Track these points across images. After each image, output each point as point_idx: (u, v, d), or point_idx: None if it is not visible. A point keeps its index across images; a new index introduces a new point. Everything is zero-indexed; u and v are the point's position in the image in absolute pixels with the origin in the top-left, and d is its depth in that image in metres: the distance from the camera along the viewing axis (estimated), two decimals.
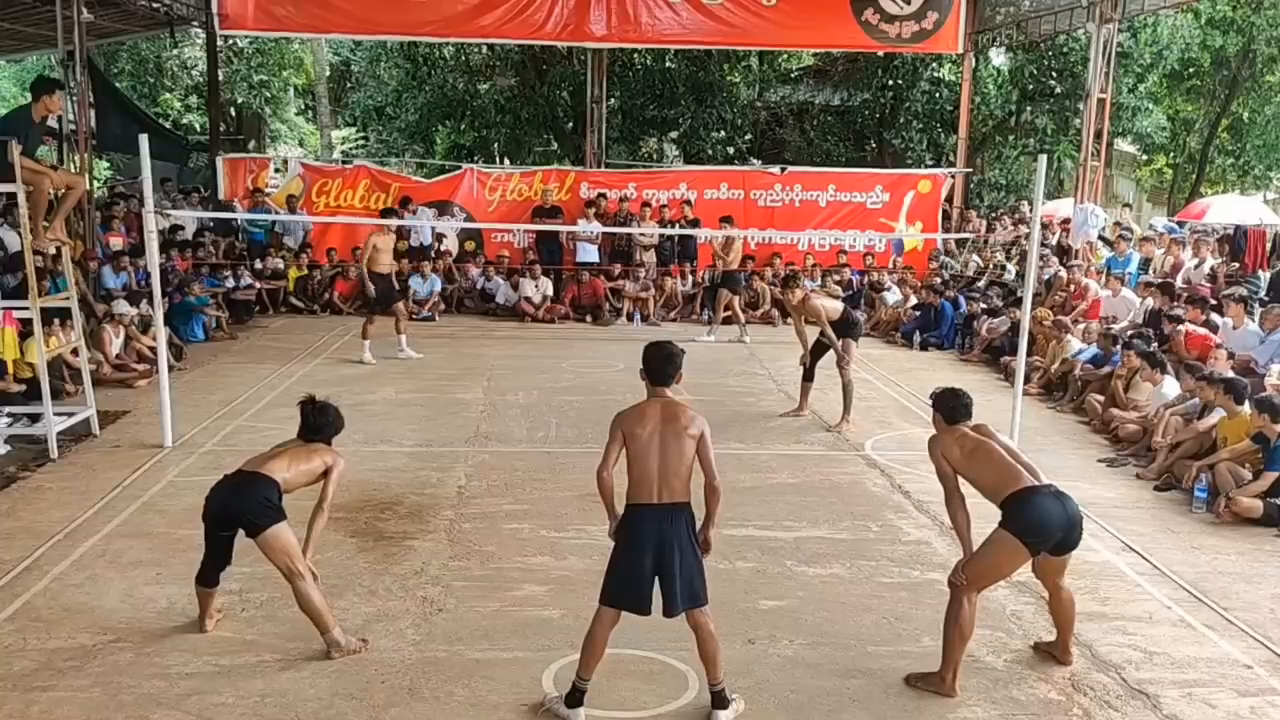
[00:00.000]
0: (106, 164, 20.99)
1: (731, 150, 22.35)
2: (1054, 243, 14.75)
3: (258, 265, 15.08)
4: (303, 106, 29.50)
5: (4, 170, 7.25)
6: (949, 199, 17.55)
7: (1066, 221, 14.88)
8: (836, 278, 15.56)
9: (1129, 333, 10.32)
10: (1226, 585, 5.80)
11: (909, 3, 16.51)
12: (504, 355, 12.23)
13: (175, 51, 24.09)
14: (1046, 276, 13.40)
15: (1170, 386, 8.66)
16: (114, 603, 5.19)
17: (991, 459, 4.53)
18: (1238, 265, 11.79)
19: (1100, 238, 14.01)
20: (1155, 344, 9.67)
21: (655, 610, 4.15)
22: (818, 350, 9.46)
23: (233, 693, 4.36)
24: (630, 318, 15.10)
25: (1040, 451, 7.83)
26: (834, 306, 9.46)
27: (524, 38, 17.28)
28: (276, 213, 15.69)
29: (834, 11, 16.51)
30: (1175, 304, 10.78)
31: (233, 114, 25.95)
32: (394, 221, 12.93)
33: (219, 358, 11.73)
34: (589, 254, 15.65)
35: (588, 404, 9.57)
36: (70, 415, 8.13)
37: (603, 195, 16.18)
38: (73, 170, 11.78)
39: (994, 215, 17.57)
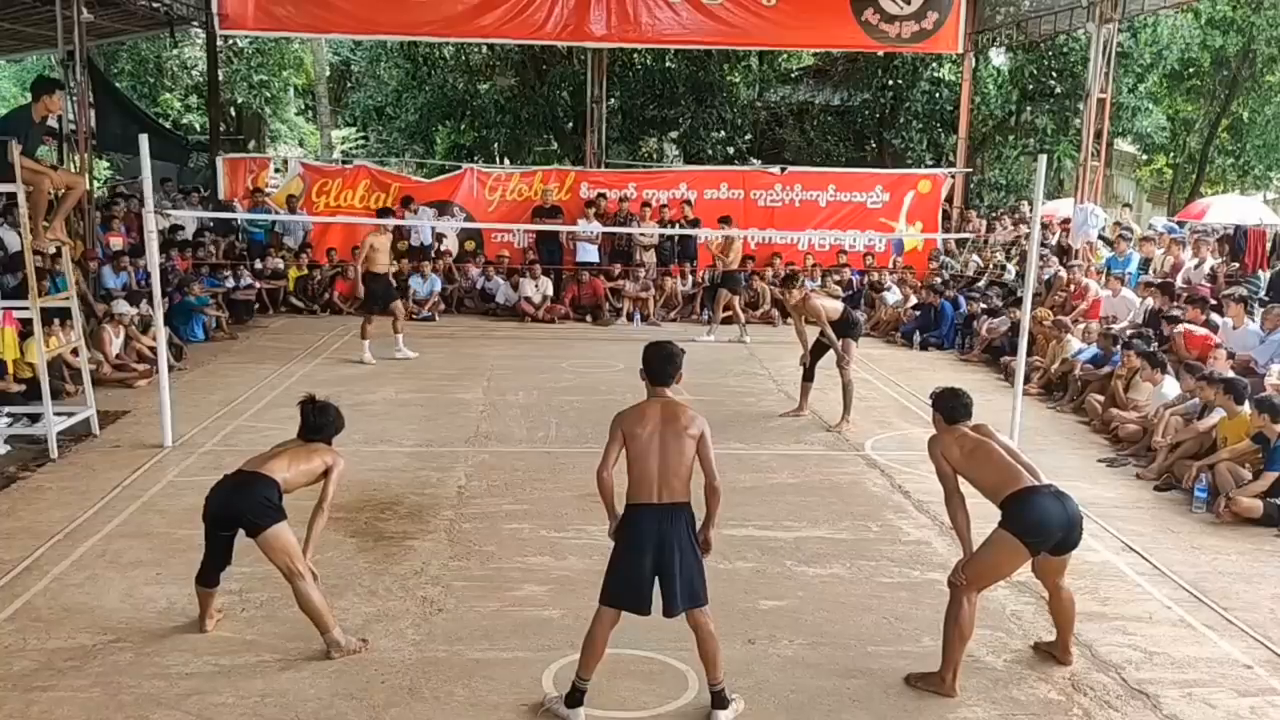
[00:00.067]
0: (106, 164, 21.00)
1: (731, 150, 22.35)
2: (1054, 243, 14.75)
3: (258, 265, 15.08)
4: (303, 106, 29.50)
5: (4, 170, 7.25)
6: (949, 199, 17.55)
7: (1066, 221, 14.89)
8: (836, 278, 15.56)
9: (1129, 333, 10.33)
10: (1226, 585, 5.80)
11: (909, 3, 16.51)
12: (504, 355, 12.23)
13: (175, 51, 24.09)
14: (1046, 276, 13.40)
15: (1170, 386, 8.66)
16: (114, 603, 5.20)
17: (991, 459, 4.53)
18: (1238, 265, 11.79)
19: (1100, 238, 14.01)
20: (1155, 344, 9.67)
21: (655, 610, 4.15)
22: (818, 350, 9.46)
23: (233, 693, 4.36)
24: (630, 318, 15.10)
25: (1040, 451, 7.83)
26: (834, 306, 9.46)
27: (524, 38, 17.28)
28: (276, 213, 15.69)
29: (834, 11, 16.50)
30: (1175, 304, 10.78)
31: (233, 114, 25.94)
32: (393, 221, 12.93)
33: (219, 358, 11.73)
34: (589, 254, 15.65)
35: (588, 404, 9.57)
36: (70, 415, 8.13)
37: (603, 195, 16.18)
38: (73, 170, 11.77)
39: (994, 215, 17.57)
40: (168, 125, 23.23)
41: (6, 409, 8.19)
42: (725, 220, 14.33)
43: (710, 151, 21.82)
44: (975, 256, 15.85)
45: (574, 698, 4.18)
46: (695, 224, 15.44)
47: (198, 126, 24.80)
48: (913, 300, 14.44)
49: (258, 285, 14.71)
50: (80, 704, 4.25)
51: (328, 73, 27.11)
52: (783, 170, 17.24)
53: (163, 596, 5.26)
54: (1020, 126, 21.40)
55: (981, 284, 14.46)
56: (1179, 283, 11.80)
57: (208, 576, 4.84)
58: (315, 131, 28.59)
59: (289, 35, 21.46)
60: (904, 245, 16.89)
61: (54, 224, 7.95)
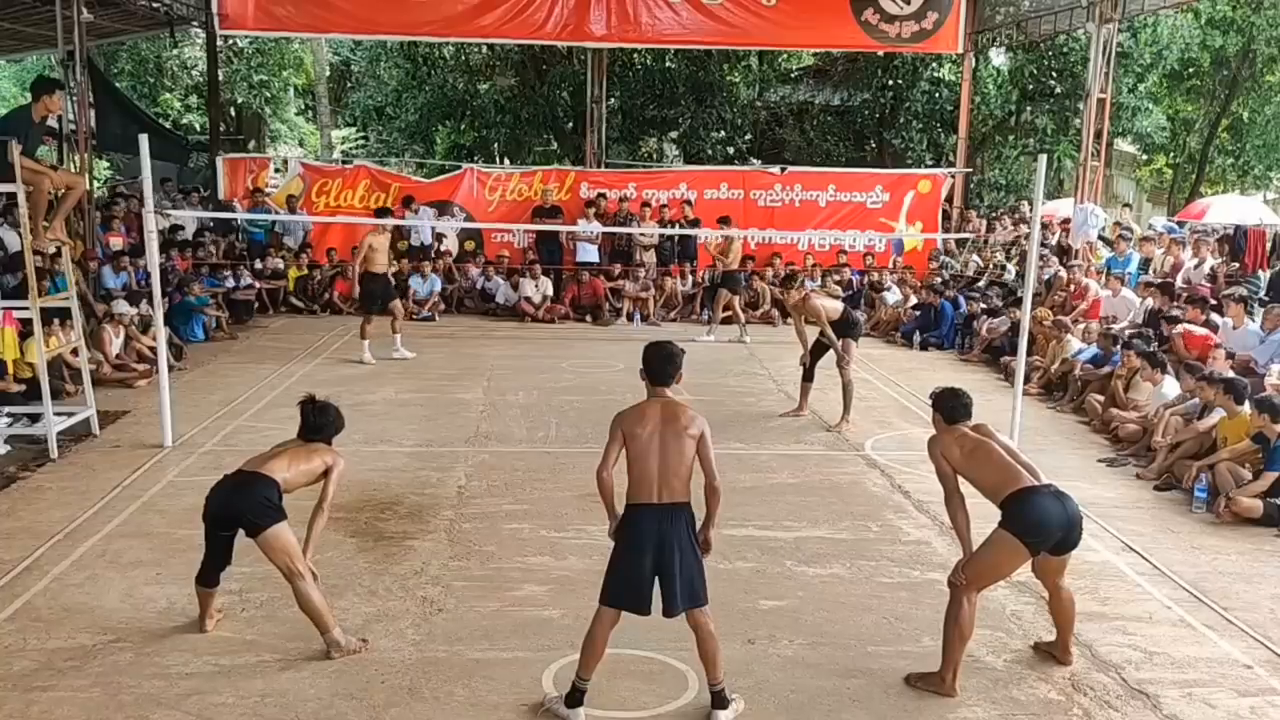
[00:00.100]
0: (106, 164, 20.99)
1: (731, 150, 22.35)
2: (1054, 243, 14.75)
3: (258, 265, 15.08)
4: (303, 106, 29.50)
5: (4, 170, 7.25)
6: (949, 199, 17.55)
7: (1066, 221, 14.88)
8: (836, 278, 15.56)
9: (1129, 333, 10.32)
10: (1226, 585, 5.80)
11: (909, 3, 16.51)
12: (504, 355, 12.23)
13: (175, 51, 24.09)
14: (1046, 276, 13.41)
15: (1170, 386, 8.66)
16: (114, 603, 5.20)
17: (991, 459, 4.53)
18: (1238, 265, 11.79)
19: (1100, 238, 14.01)
20: (1155, 344, 9.67)
21: (655, 610, 4.15)
22: (818, 350, 9.46)
23: (233, 693, 4.36)
24: (630, 318, 15.11)
25: (1040, 451, 7.83)
26: (834, 306, 9.45)
27: (524, 38, 17.28)
28: (276, 213, 15.69)
29: (834, 11, 16.50)
30: (1175, 304, 10.78)
31: (233, 114, 25.94)
32: (392, 221, 12.92)
33: (219, 358, 11.73)
34: (589, 254, 15.65)
35: (588, 404, 9.57)
36: (70, 415, 8.13)
37: (603, 195, 16.18)
38: (73, 170, 11.77)
39: (994, 215, 17.56)
40: (168, 125, 23.22)
41: (6, 409, 8.18)
42: (724, 220, 14.33)
43: (710, 151, 21.82)
44: (975, 256, 15.85)
45: (574, 698, 4.18)
46: (695, 224, 15.45)
47: (198, 126, 24.79)
48: (913, 300, 14.44)
49: (258, 285, 14.71)
50: (80, 704, 4.25)
51: (328, 73, 27.10)
52: (783, 170, 17.24)
53: (163, 596, 5.26)
54: (1020, 126, 21.39)
55: (981, 284, 14.46)
56: (1179, 283, 11.80)
57: (208, 576, 4.84)
58: (315, 131, 28.59)
59: (289, 35, 21.46)
60: (904, 245, 16.89)
61: (54, 224, 7.95)
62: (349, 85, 27.54)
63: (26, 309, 7.73)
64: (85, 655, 4.65)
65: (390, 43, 20.99)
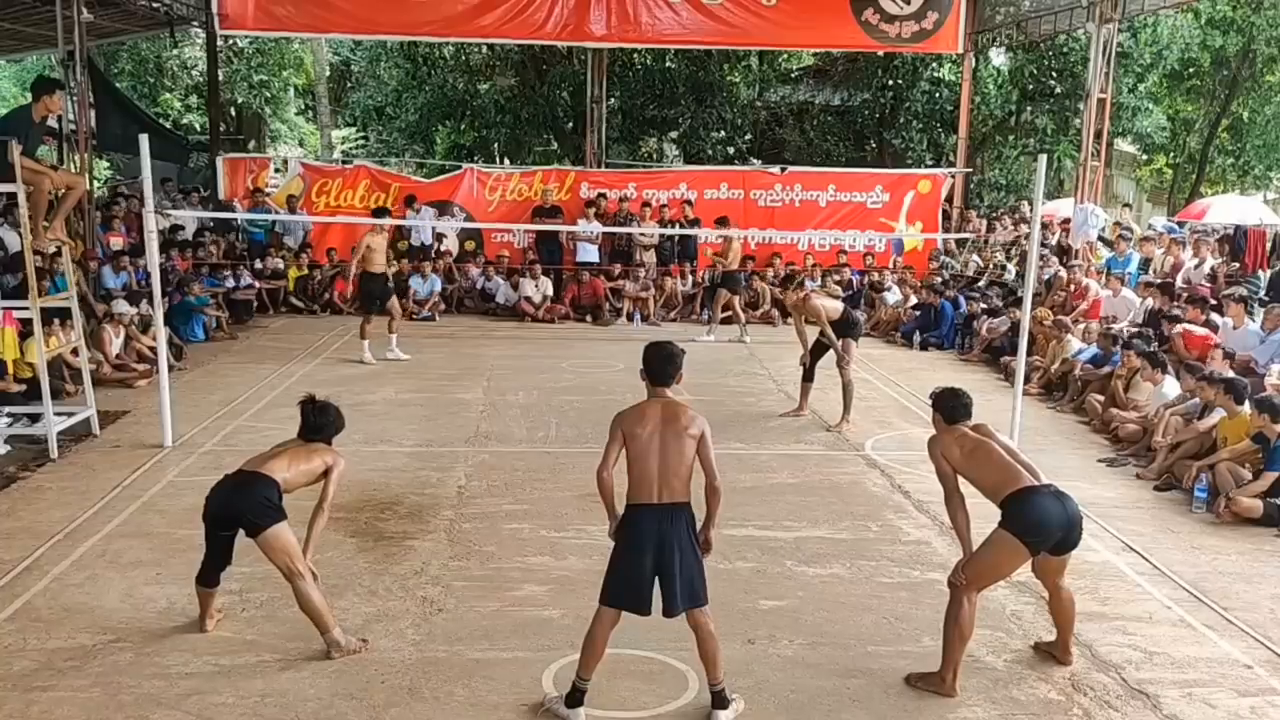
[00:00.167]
0: (106, 164, 20.99)
1: (731, 150, 22.35)
2: (1054, 243, 14.75)
3: (258, 265, 15.09)
4: (303, 106, 29.49)
5: (4, 170, 7.25)
6: (949, 199, 17.55)
7: (1066, 221, 14.88)
8: (836, 278, 15.55)
9: (1129, 333, 10.32)
10: (1226, 585, 5.80)
11: (909, 3, 16.51)
12: (504, 355, 12.23)
13: (175, 51, 24.08)
14: (1046, 276, 13.41)
15: (1170, 386, 8.66)
16: (114, 603, 5.20)
17: (991, 459, 4.53)
18: (1238, 265, 11.79)
19: (1100, 238, 14.01)
20: (1155, 344, 9.67)
21: (655, 610, 4.15)
22: (818, 350, 9.46)
23: (233, 693, 4.36)
24: (630, 318, 15.11)
25: (1040, 451, 7.83)
26: (834, 306, 9.45)
27: (524, 38, 17.28)
28: (276, 213, 15.69)
29: (834, 11, 16.50)
30: (1175, 304, 10.78)
31: (233, 114, 25.94)
32: (390, 221, 12.93)
33: (219, 358, 11.73)
34: (589, 254, 15.66)
35: (588, 404, 9.57)
36: (70, 415, 8.13)
37: (603, 195, 16.19)
38: (73, 170, 11.78)
39: (994, 215, 17.57)
40: (168, 125, 23.22)
41: (6, 409, 8.19)
42: (722, 221, 14.30)
43: (710, 151, 21.82)
44: (975, 256, 15.85)
45: (574, 698, 4.18)
46: (695, 224, 15.45)
47: (198, 126, 24.80)
48: (913, 300, 14.45)
49: (258, 285, 14.72)
50: (80, 704, 4.25)
51: (328, 73, 27.10)
52: (783, 170, 17.24)
53: (163, 596, 5.26)
54: (1020, 126, 21.39)
55: (981, 284, 14.46)
56: (1179, 283, 11.80)
57: (208, 576, 4.84)
58: (315, 131, 28.59)
59: (289, 35, 21.46)
60: (904, 245, 16.89)
61: (54, 224, 7.95)
62: (349, 85, 27.54)
63: (26, 309, 7.73)
64: (85, 655, 4.65)
65: (390, 43, 20.99)
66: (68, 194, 8.26)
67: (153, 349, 9.41)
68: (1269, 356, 8.98)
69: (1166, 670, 4.78)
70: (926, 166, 19.87)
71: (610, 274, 15.48)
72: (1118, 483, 7.79)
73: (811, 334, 9.53)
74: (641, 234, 15.33)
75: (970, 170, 19.37)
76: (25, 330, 8.18)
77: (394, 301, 11.83)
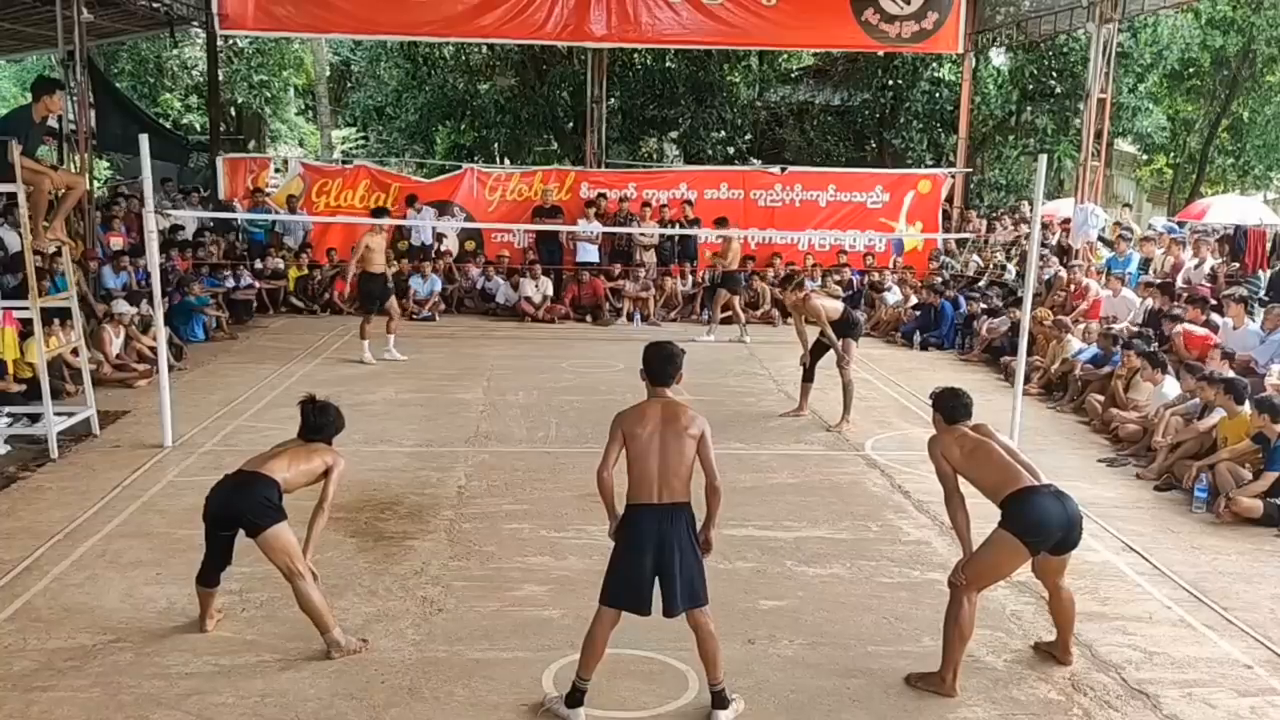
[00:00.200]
0: (106, 164, 20.99)
1: (731, 150, 22.34)
2: (1054, 243, 14.75)
3: (258, 265, 15.09)
4: (303, 106, 29.50)
5: (4, 170, 7.25)
6: (949, 199, 17.55)
7: (1066, 221, 14.89)
8: (836, 278, 15.55)
9: (1129, 333, 10.32)
10: (1226, 585, 5.80)
11: (909, 3, 16.51)
12: (504, 355, 12.23)
13: (175, 51, 24.08)
14: (1046, 276, 13.41)
15: (1170, 386, 8.66)
16: (114, 603, 5.20)
17: (991, 459, 4.53)
18: (1238, 265, 11.79)
19: (1100, 238, 14.01)
20: (1155, 344, 9.67)
21: (655, 610, 4.15)
22: (818, 350, 9.46)
23: (233, 693, 4.36)
24: (630, 318, 15.11)
25: (1040, 451, 7.83)
26: (834, 306, 9.45)
27: (524, 38, 17.28)
28: (276, 213, 15.70)
29: (834, 11, 16.51)
30: (1175, 304, 10.78)
31: (233, 114, 25.94)
32: (389, 221, 12.94)
33: (219, 358, 11.73)
34: (589, 254, 15.66)
35: (588, 404, 9.57)
36: (70, 415, 8.13)
37: (603, 195, 16.19)
38: (73, 170, 11.78)
39: (994, 215, 17.57)
40: (168, 125, 23.23)
41: (6, 409, 8.19)
42: (721, 221, 14.28)
43: (710, 151, 21.82)
44: (975, 256, 15.85)
45: (574, 698, 4.18)
46: (695, 224, 15.45)
47: (198, 126, 24.80)
48: (913, 300, 14.45)
49: (258, 285, 14.71)
50: (80, 704, 4.25)
51: (328, 73, 27.11)
52: (783, 170, 17.24)
53: (163, 596, 5.26)
54: (1020, 126, 21.39)
55: (981, 284, 14.46)
56: (1179, 283, 11.80)
57: (208, 576, 4.84)
58: (315, 131, 28.59)
59: (289, 35, 21.46)
60: (904, 245, 16.89)
61: (54, 224, 7.95)
62: (349, 85, 27.54)
63: (26, 309, 7.73)
64: (85, 655, 4.65)
65: (390, 43, 20.99)
66: (68, 194, 8.26)
67: (153, 349, 9.41)
68: (1269, 356, 8.98)
69: (1166, 670, 4.78)
70: (926, 166, 19.86)
71: (610, 274, 15.48)
72: (1118, 483, 7.79)
73: (811, 334, 9.53)
74: (641, 234, 15.33)
75: (970, 170, 19.37)
76: (25, 330, 8.18)
77: (392, 302, 11.82)
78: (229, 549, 4.82)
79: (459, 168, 17.27)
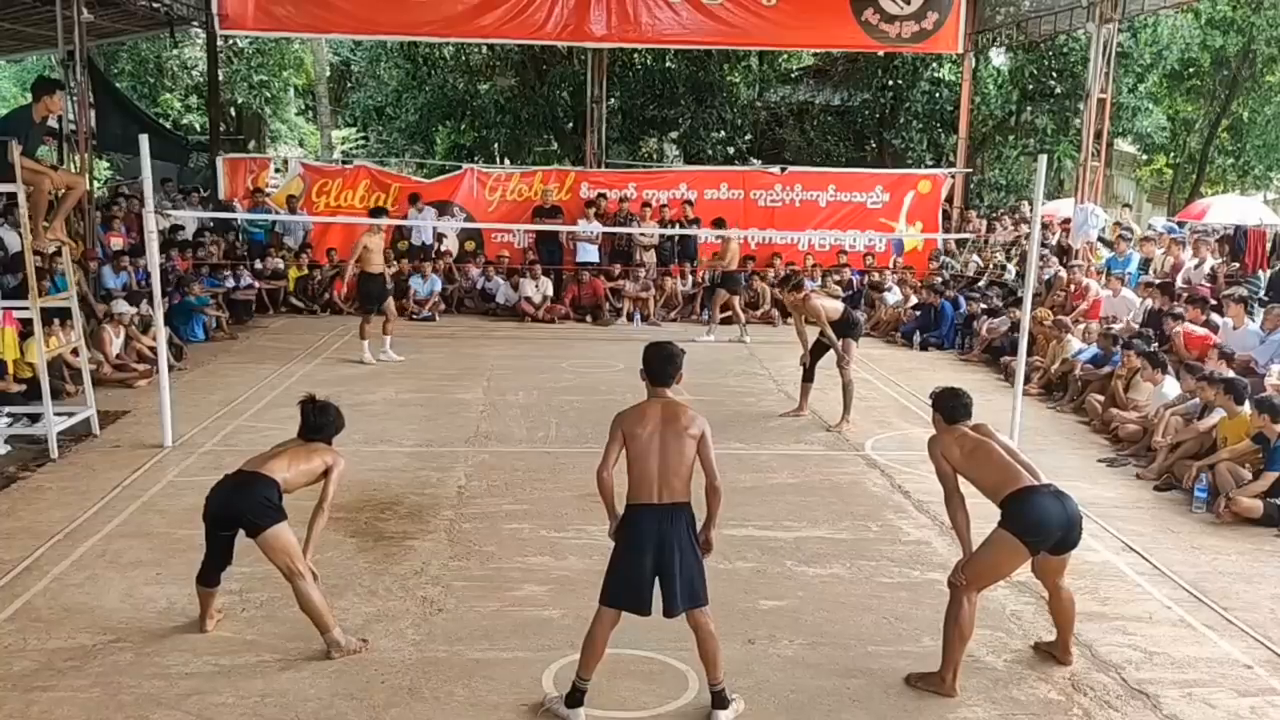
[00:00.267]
0: (106, 164, 20.99)
1: (731, 150, 22.34)
2: (1054, 243, 14.75)
3: (258, 265, 15.09)
4: (303, 106, 29.50)
5: (4, 170, 7.26)
6: (949, 199, 17.55)
7: (1066, 221, 14.89)
8: (836, 278, 15.56)
9: (1129, 333, 10.32)
10: (1226, 585, 5.80)
11: (909, 3, 16.51)
12: (504, 355, 12.23)
13: (175, 51, 24.08)
14: (1046, 276, 13.41)
15: (1170, 386, 8.66)
16: (114, 603, 5.20)
17: (991, 459, 4.53)
18: (1238, 265, 11.79)
19: (1100, 238, 14.01)
20: (1155, 344, 9.67)
21: (655, 610, 4.15)
22: (818, 350, 9.46)
23: (233, 693, 4.36)
24: (630, 318, 15.11)
25: (1040, 451, 7.83)
26: (834, 306, 9.46)
27: (524, 38, 17.28)
28: (276, 213, 15.70)
29: (834, 11, 16.51)
30: (1175, 304, 10.78)
31: (233, 114, 25.94)
32: (387, 221, 12.94)
33: (219, 358, 11.73)
34: (589, 254, 15.66)
35: (588, 404, 9.57)
36: (70, 415, 8.13)
37: (603, 195, 16.19)
38: (73, 170, 11.78)
39: (994, 215, 17.57)
40: (168, 125, 23.23)
41: (6, 409, 8.19)
42: (718, 223, 14.26)
43: (710, 151, 21.82)
44: (975, 256, 15.85)
45: (574, 698, 4.18)
46: (695, 224, 15.45)
47: (198, 126, 24.80)
48: (913, 300, 14.45)
49: (258, 285, 14.72)
50: (80, 704, 4.25)
51: (328, 73, 27.10)
52: (783, 170, 17.24)
53: (163, 596, 5.26)
54: (1020, 126, 21.39)
55: (981, 284, 14.46)
56: (1179, 283, 11.80)
57: (208, 576, 4.84)
58: (315, 131, 28.59)
59: (289, 35, 21.45)
60: (904, 245, 16.89)
61: (54, 224, 7.95)
62: (349, 85, 27.54)
63: (26, 309, 7.73)
64: (85, 655, 4.65)
65: (390, 43, 20.98)
66: (68, 194, 8.26)
67: (153, 349, 9.41)
68: (1269, 356, 8.97)
69: (1166, 670, 4.78)
70: (926, 166, 19.87)
71: (610, 274, 15.48)
72: (1118, 483, 7.79)
73: (811, 334, 9.53)
74: (641, 234, 15.33)
75: (970, 170, 19.37)
76: (25, 330, 8.18)
77: (389, 303, 11.80)
78: (229, 549, 4.82)
79: (459, 168, 17.27)
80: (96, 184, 15.69)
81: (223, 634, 4.87)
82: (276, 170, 17.89)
